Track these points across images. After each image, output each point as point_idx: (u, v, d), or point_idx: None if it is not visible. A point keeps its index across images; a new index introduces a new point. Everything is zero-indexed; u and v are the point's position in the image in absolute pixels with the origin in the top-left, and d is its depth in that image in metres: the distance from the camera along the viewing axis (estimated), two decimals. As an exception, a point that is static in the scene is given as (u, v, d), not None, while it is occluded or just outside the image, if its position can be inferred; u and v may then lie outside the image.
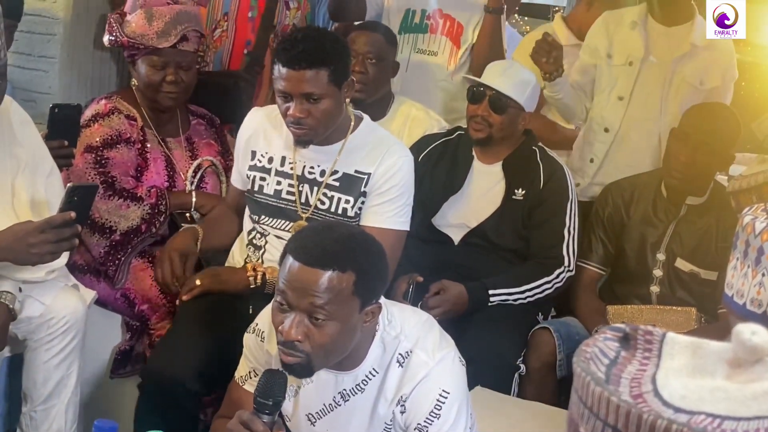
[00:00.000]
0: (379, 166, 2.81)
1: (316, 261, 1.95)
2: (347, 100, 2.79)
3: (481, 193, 3.41)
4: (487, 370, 2.97)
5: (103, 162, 3.17)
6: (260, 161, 2.89)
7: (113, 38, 3.22)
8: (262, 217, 2.90)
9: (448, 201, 3.41)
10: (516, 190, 3.36)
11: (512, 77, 3.37)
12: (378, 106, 3.65)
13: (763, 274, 1.60)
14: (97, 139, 3.18)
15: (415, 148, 3.49)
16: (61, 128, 2.68)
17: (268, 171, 2.88)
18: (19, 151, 2.68)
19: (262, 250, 2.90)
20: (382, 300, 2.12)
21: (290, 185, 2.86)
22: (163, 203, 3.20)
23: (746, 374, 0.68)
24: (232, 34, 3.64)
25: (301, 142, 2.75)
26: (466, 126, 3.48)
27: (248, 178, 2.91)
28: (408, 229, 2.91)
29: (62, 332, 2.78)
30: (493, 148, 3.41)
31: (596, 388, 0.70)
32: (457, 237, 3.40)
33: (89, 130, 3.19)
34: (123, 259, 3.16)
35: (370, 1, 3.97)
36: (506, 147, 3.41)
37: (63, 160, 2.67)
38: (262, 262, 2.90)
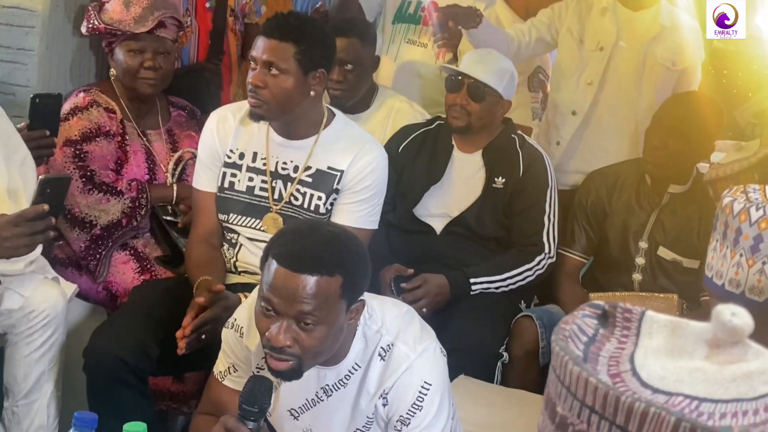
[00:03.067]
0: (352, 164, 2.80)
1: (304, 266, 1.93)
2: (313, 92, 2.75)
3: (462, 182, 3.41)
4: (470, 359, 2.98)
5: (82, 156, 3.15)
6: (230, 157, 2.87)
7: (91, 25, 3.21)
8: (231, 215, 2.88)
9: (429, 191, 3.41)
10: (496, 179, 3.36)
11: (490, 65, 3.36)
12: (361, 99, 3.64)
13: (741, 255, 1.61)
14: (76, 133, 3.16)
15: (395, 139, 3.49)
16: (43, 118, 2.66)
17: (239, 167, 2.86)
18: None
19: (237, 247, 2.90)
20: (365, 295, 2.11)
21: (263, 181, 2.84)
22: (144, 196, 3.18)
23: (725, 355, 0.68)
24: (196, 28, 3.61)
25: (253, 115, 2.74)
26: (445, 116, 3.47)
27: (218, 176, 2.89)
28: (377, 227, 2.91)
29: (42, 326, 2.78)
30: (473, 137, 3.40)
31: (574, 368, 0.69)
32: (438, 227, 3.40)
33: (68, 124, 3.17)
34: (104, 253, 3.15)
35: (368, 8, 3.95)
36: (485, 135, 3.41)
37: (45, 149, 2.66)
38: (236, 260, 2.90)
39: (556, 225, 3.34)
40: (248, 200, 2.85)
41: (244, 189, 2.85)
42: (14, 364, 2.83)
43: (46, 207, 2.38)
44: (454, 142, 3.46)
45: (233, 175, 2.86)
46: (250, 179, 2.85)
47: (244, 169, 2.85)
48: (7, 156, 2.69)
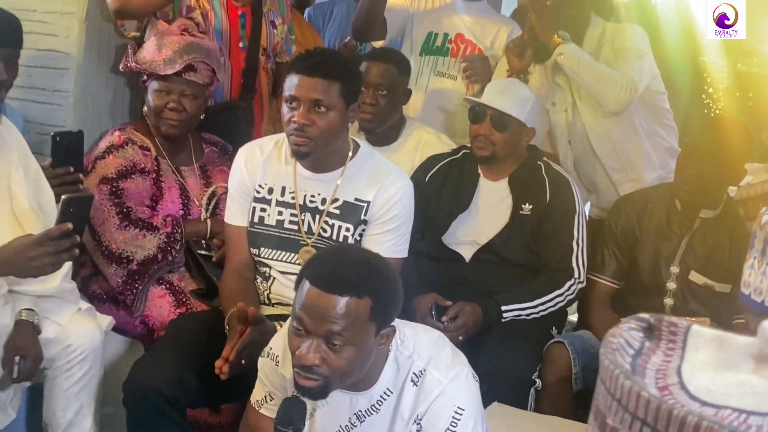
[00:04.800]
0: (378, 195, 2.85)
1: (334, 287, 1.98)
2: (350, 124, 2.82)
3: (489, 210, 3.45)
4: (503, 386, 2.99)
5: (118, 193, 3.22)
6: (259, 192, 2.92)
7: (126, 64, 3.30)
8: (263, 249, 2.93)
9: (457, 219, 3.45)
10: (523, 205, 3.39)
11: (511, 95, 3.41)
12: (390, 131, 3.72)
13: None
14: (112, 171, 3.24)
15: (422, 169, 3.54)
16: (65, 155, 2.71)
17: (268, 202, 2.91)
18: (11, 155, 2.73)
19: (270, 280, 2.94)
20: (396, 321, 2.15)
21: (292, 215, 2.89)
22: (179, 231, 3.24)
23: None
24: (229, 67, 3.68)
25: (299, 153, 2.76)
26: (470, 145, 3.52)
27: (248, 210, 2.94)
28: (406, 255, 2.95)
29: (80, 360, 2.83)
30: (499, 165, 3.45)
31: (625, 381, 0.70)
32: (468, 254, 3.43)
33: (104, 162, 3.25)
34: (140, 287, 3.20)
35: (391, 23, 4.02)
36: (511, 163, 3.45)
37: (70, 186, 2.71)
38: (270, 292, 2.94)
39: (584, 250, 3.35)
40: (278, 234, 2.90)
41: (273, 223, 2.90)
42: (53, 399, 2.88)
43: (70, 225, 2.44)
44: (480, 171, 3.50)
45: (263, 210, 2.91)
46: (280, 213, 2.90)
47: (273, 203, 2.90)
48: (25, 167, 2.74)
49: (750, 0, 3.23)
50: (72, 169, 2.77)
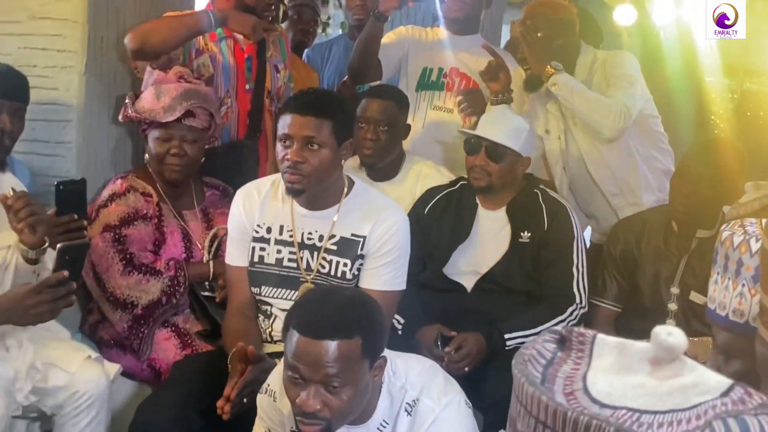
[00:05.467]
0: (374, 229, 2.89)
1: (323, 333, 2.01)
2: (343, 161, 2.88)
3: (489, 239, 3.48)
4: (508, 414, 3.00)
5: (121, 239, 3.28)
6: (258, 232, 2.97)
7: (126, 113, 3.37)
8: (264, 288, 2.98)
9: (457, 249, 3.48)
10: (522, 233, 3.42)
11: (504, 125, 3.45)
12: (390, 165, 3.77)
13: (743, 285, 1.65)
14: (115, 218, 3.30)
15: (421, 201, 3.59)
16: (69, 203, 2.76)
17: (267, 241, 2.96)
18: None
19: (272, 318, 2.99)
20: (386, 352, 2.18)
21: (291, 252, 2.94)
22: (182, 275, 3.30)
23: (665, 371, 0.75)
24: (236, 108, 3.76)
25: (292, 190, 2.82)
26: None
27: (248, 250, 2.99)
28: (404, 287, 2.98)
29: (87, 406, 2.88)
30: (496, 195, 3.48)
31: (529, 388, 0.77)
32: (469, 284, 3.46)
33: (107, 210, 3.31)
34: (146, 331, 3.25)
35: (386, 62, 4.09)
36: (508, 192, 3.49)
37: (75, 233, 2.76)
38: (272, 330, 2.99)
39: (585, 275, 3.38)
40: (278, 272, 2.95)
41: (273, 261, 2.95)
42: (63, 445, 2.93)
43: (66, 273, 2.51)
44: (478, 200, 3.53)
45: (262, 249, 2.96)
46: (279, 251, 2.95)
47: (272, 242, 2.95)
48: None
49: (754, 20, 3.26)
50: (76, 216, 2.82)
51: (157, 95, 3.34)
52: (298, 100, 2.82)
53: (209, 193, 3.58)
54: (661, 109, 4.01)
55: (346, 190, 2.94)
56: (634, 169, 3.86)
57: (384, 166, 3.76)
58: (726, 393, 0.72)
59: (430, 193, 3.62)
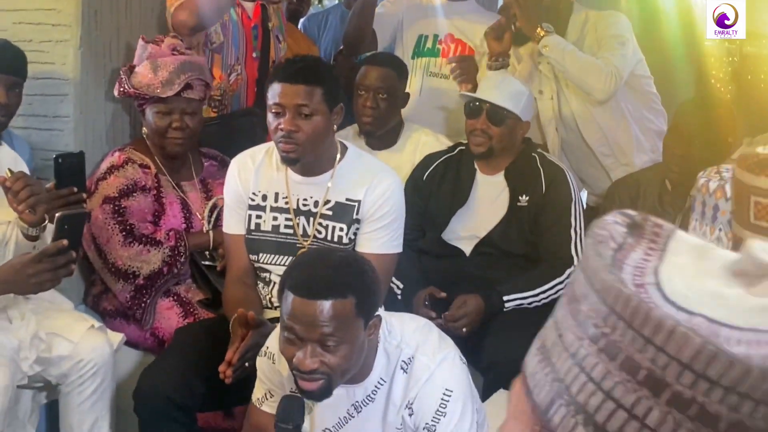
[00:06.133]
0: (369, 194, 2.91)
1: (317, 293, 2.05)
2: (335, 127, 2.90)
3: (487, 204, 3.50)
4: (508, 374, 2.99)
5: (121, 211, 3.31)
6: (253, 200, 2.99)
7: (122, 89, 3.37)
8: (262, 255, 3.00)
9: (456, 215, 3.50)
10: (520, 197, 3.44)
11: (506, 89, 3.46)
12: (389, 134, 3.79)
13: (720, 230, 1.67)
14: (114, 190, 3.32)
15: (420, 168, 3.61)
16: (68, 176, 2.77)
17: (263, 208, 2.98)
18: None
19: (271, 285, 3.01)
20: (381, 311, 2.21)
21: (287, 219, 2.96)
22: (183, 245, 3.32)
23: (749, 287, 0.70)
24: (245, 76, 3.78)
25: (288, 159, 2.83)
26: (466, 141, 3.57)
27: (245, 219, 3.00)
28: (401, 249, 3.00)
29: (91, 375, 2.91)
30: (495, 159, 3.50)
31: (607, 276, 0.71)
32: (468, 249, 3.48)
33: (106, 183, 3.34)
34: (148, 301, 3.29)
35: (381, 32, 4.10)
36: (507, 157, 3.51)
37: (75, 206, 2.79)
38: (271, 296, 3.01)
39: (583, 237, 3.39)
40: (275, 239, 2.97)
41: (269, 228, 2.97)
42: (68, 414, 2.97)
43: (65, 242, 2.54)
44: (476, 166, 3.55)
45: (258, 217, 2.98)
46: (275, 218, 2.97)
47: (268, 209, 2.97)
48: None
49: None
50: (75, 189, 2.85)
51: (154, 69, 3.35)
52: (287, 68, 2.83)
53: (207, 163, 3.60)
54: (659, 73, 4.02)
55: (339, 155, 2.95)
56: (625, 130, 3.87)
57: (383, 134, 3.77)
58: None
59: (429, 159, 3.63)
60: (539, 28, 3.68)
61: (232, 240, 3.05)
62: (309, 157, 2.84)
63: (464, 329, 3.16)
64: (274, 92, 2.79)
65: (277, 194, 2.97)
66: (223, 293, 3.06)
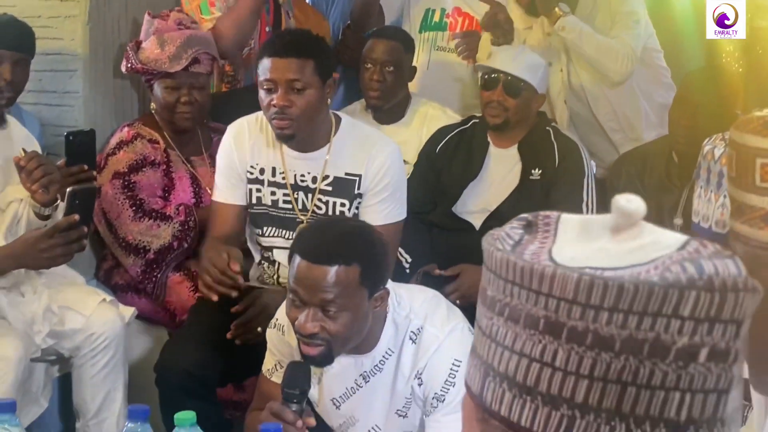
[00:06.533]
0: (369, 167, 2.87)
1: (322, 258, 2.08)
2: (329, 101, 2.85)
3: (500, 178, 3.49)
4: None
5: (130, 186, 3.33)
6: (252, 173, 2.94)
7: (129, 65, 3.38)
8: (266, 228, 2.96)
9: (468, 188, 3.49)
10: (533, 171, 3.43)
11: (523, 60, 3.46)
12: (396, 108, 3.79)
13: (725, 196, 1.69)
14: (124, 165, 3.34)
15: (432, 140, 3.60)
16: (79, 154, 2.79)
17: (261, 182, 2.93)
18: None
19: (276, 265, 2.98)
20: (390, 283, 2.23)
21: (285, 194, 2.92)
22: (192, 219, 3.34)
23: (625, 236, 0.79)
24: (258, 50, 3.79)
25: (283, 136, 2.78)
26: (479, 114, 3.57)
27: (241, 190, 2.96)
28: (405, 215, 2.98)
29: (103, 348, 2.94)
30: (509, 132, 3.48)
31: (498, 254, 0.81)
32: (477, 222, 3.47)
33: (115, 158, 3.36)
34: (159, 275, 3.31)
35: (388, 7, 4.09)
36: (521, 130, 3.49)
37: (85, 183, 2.81)
38: (279, 276, 2.98)
39: (594, 212, 3.39)
40: (276, 213, 2.94)
41: (269, 203, 2.93)
42: (82, 386, 3.01)
43: (76, 217, 2.57)
44: (489, 139, 3.54)
45: (258, 190, 2.94)
46: (273, 193, 2.93)
47: (265, 183, 2.93)
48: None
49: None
50: (86, 166, 2.86)
51: (161, 44, 3.35)
52: (277, 42, 2.79)
53: (216, 138, 3.59)
54: (668, 46, 4.01)
55: (333, 128, 2.91)
56: (634, 105, 3.87)
57: (390, 108, 3.78)
58: (683, 247, 0.77)
59: (441, 132, 3.62)
60: (557, 9, 3.67)
61: (220, 208, 2.97)
62: (304, 132, 2.79)
63: (457, 301, 3.15)
64: (265, 67, 2.74)
65: (274, 169, 2.92)
66: (202, 255, 2.92)
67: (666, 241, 0.78)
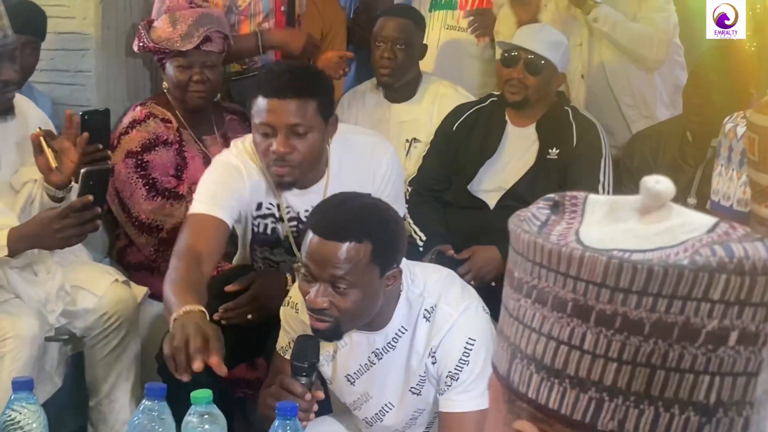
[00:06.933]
0: (375, 180, 2.75)
1: (334, 234, 2.07)
2: (330, 139, 2.64)
3: (516, 156, 3.48)
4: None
5: (143, 165, 3.33)
6: (259, 207, 2.78)
7: (141, 44, 3.38)
8: (276, 250, 2.86)
9: (484, 166, 3.48)
10: (550, 150, 3.41)
11: (545, 38, 3.44)
12: (407, 86, 3.77)
13: (747, 175, 1.68)
14: (137, 145, 3.35)
15: (450, 118, 3.58)
16: (94, 133, 2.79)
17: (266, 216, 2.80)
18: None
19: (279, 265, 2.91)
20: (404, 261, 2.22)
21: (293, 227, 2.79)
22: (205, 198, 3.33)
23: (653, 217, 0.78)
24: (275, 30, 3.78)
25: (283, 184, 2.62)
26: (497, 92, 3.56)
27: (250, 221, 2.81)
28: (405, 211, 2.96)
29: (115, 328, 2.96)
30: (527, 111, 3.47)
31: (525, 236, 0.81)
32: (492, 201, 3.46)
33: (128, 137, 3.36)
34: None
35: None
36: (539, 109, 3.47)
37: (100, 162, 2.81)
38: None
39: (610, 195, 3.38)
40: (286, 244, 2.83)
41: (281, 237, 2.83)
42: (94, 366, 3.02)
43: (90, 197, 2.56)
44: (507, 117, 3.52)
45: (265, 226, 2.82)
46: (281, 228, 2.80)
47: (271, 218, 2.80)
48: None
49: None
50: (101, 146, 2.85)
51: (172, 23, 3.35)
52: (274, 81, 2.52)
53: (228, 117, 3.61)
54: (681, 23, 3.99)
55: (327, 158, 2.70)
56: (650, 81, 3.85)
57: (401, 86, 3.77)
58: (712, 229, 0.76)
59: (459, 109, 3.60)
60: None
61: (207, 221, 2.58)
62: (306, 176, 2.62)
63: (471, 282, 3.15)
64: (261, 109, 2.50)
65: (278, 205, 2.79)
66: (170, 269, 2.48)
67: (695, 223, 0.77)
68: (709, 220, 0.77)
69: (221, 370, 2.08)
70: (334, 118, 2.62)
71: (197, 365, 2.04)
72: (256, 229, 2.83)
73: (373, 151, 2.80)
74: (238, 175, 2.67)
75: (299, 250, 2.78)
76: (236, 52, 3.60)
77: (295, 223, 2.80)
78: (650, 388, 0.74)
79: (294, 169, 2.55)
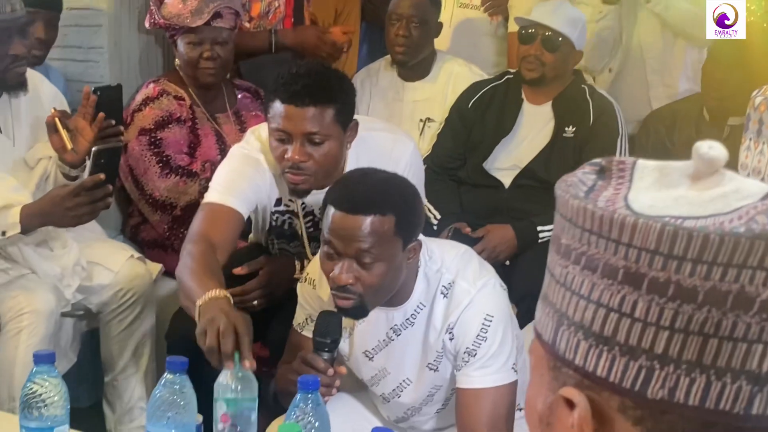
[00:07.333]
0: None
1: (357, 208, 2.06)
2: (348, 145, 2.56)
3: (532, 134, 3.46)
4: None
5: (157, 142, 3.33)
6: (278, 204, 2.76)
7: (152, 21, 3.37)
8: (294, 242, 2.84)
9: (500, 144, 3.47)
10: (566, 128, 3.40)
11: (563, 15, 3.42)
12: (422, 64, 3.75)
13: None
14: (150, 122, 3.34)
15: (465, 96, 3.57)
16: (106, 109, 2.78)
17: (283, 213, 2.78)
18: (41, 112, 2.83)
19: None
20: (421, 237, 2.22)
21: (307, 222, 2.78)
22: (218, 176, 3.33)
23: (705, 184, 0.77)
24: (284, 10, 3.76)
25: (297, 192, 2.54)
26: (513, 70, 3.54)
27: (269, 218, 2.78)
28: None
29: (131, 304, 2.96)
30: (544, 88, 3.45)
31: (574, 202, 0.80)
32: (507, 180, 3.46)
33: (141, 114, 3.35)
34: (186, 232, 3.30)
35: None
36: (556, 86, 3.46)
37: (113, 138, 2.80)
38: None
39: None
40: (304, 236, 2.81)
41: (298, 231, 2.82)
42: (109, 342, 3.03)
43: (102, 176, 2.56)
44: (523, 95, 3.51)
45: (283, 221, 2.81)
46: (301, 223, 2.80)
47: (290, 214, 2.80)
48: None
49: None
50: (113, 122, 2.85)
51: (183, -1, 3.34)
52: (292, 86, 2.42)
53: (241, 95, 3.60)
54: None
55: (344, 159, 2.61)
56: (680, 49, 3.82)
57: (415, 64, 3.75)
58: (766, 196, 0.75)
59: (475, 87, 3.59)
60: None
61: (223, 211, 2.54)
62: (322, 185, 2.47)
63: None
64: (277, 113, 2.43)
65: (298, 202, 2.76)
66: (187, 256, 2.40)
67: (748, 189, 0.76)
68: (762, 187, 0.76)
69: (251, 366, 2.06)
70: (354, 124, 2.54)
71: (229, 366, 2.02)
72: (274, 223, 2.83)
73: (393, 149, 2.73)
74: (258, 168, 2.63)
75: (310, 244, 2.81)
76: (248, 50, 3.59)
77: (310, 218, 2.79)
78: (702, 357, 0.73)
79: (309, 177, 2.48)
